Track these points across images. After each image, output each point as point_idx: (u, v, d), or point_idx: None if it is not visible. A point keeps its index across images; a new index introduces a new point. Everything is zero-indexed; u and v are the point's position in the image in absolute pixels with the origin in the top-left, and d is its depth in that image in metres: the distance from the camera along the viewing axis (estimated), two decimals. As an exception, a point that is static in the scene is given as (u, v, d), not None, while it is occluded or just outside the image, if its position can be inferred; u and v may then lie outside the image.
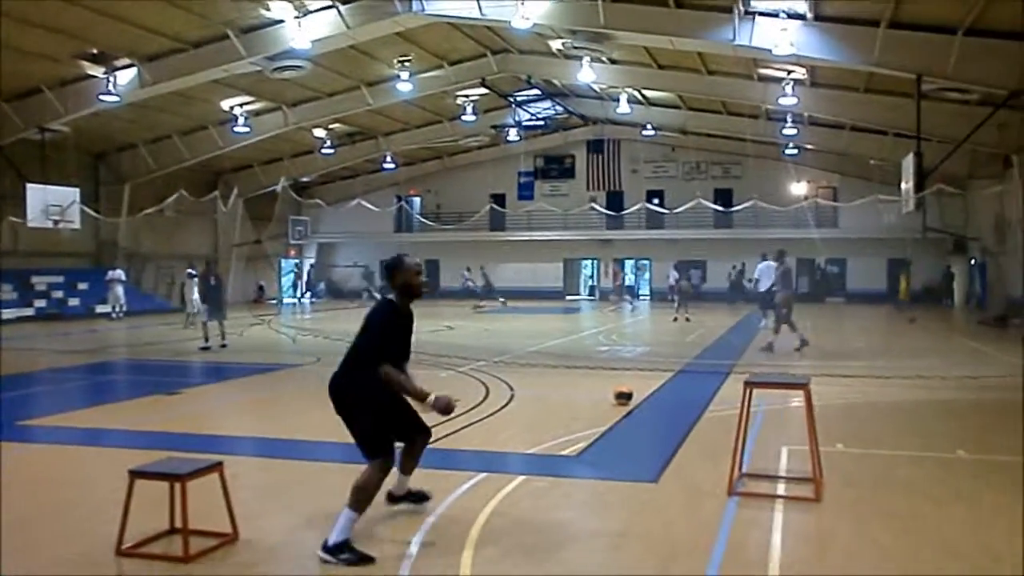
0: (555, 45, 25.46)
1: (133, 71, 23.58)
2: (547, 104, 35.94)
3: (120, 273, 29.33)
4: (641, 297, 42.54)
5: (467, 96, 31.96)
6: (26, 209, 26.11)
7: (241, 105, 29.13)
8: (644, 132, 37.63)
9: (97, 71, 23.22)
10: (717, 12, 19.62)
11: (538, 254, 42.45)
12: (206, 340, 18.09)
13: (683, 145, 39.48)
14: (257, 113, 30.30)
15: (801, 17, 19.02)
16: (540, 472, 7.27)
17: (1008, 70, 18.37)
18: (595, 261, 44.08)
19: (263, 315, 29.76)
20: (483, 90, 31.17)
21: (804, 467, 6.73)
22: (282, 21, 21.54)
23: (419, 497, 6.12)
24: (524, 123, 37.52)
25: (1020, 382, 13.03)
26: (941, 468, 7.45)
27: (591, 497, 6.54)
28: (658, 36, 21.32)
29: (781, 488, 6.63)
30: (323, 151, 36.69)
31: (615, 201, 40.71)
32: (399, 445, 5.79)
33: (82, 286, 30.84)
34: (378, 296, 39.31)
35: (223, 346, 17.98)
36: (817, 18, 18.99)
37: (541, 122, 38.10)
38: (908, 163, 21.00)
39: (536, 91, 33.64)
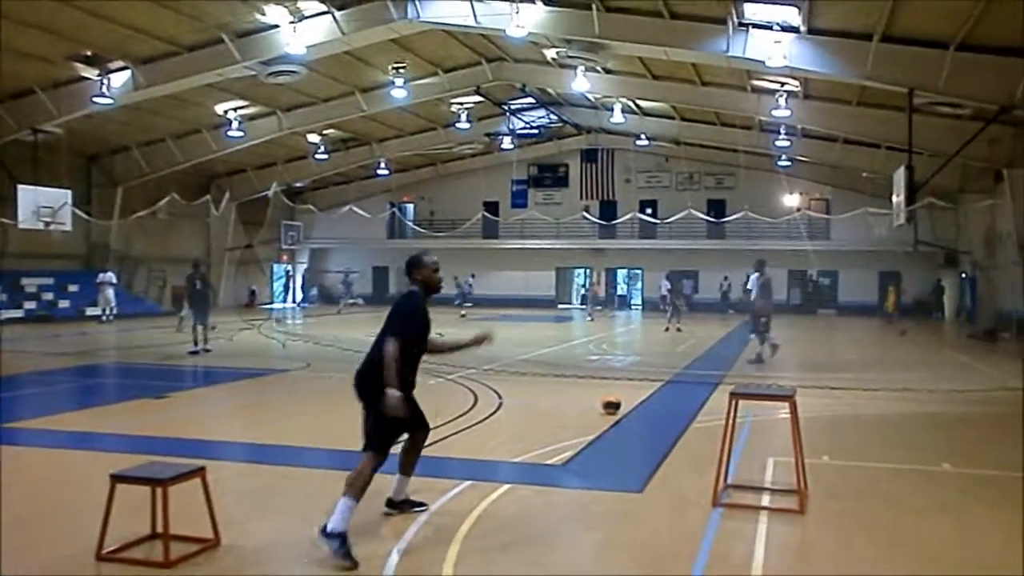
0: (550, 54, 25.53)
1: (127, 73, 23.57)
2: (541, 113, 36.02)
3: (111, 276, 29.28)
4: (633, 306, 42.66)
5: (461, 104, 32.00)
6: (17, 210, 26.00)
7: (235, 109, 29.14)
8: (638, 142, 37.79)
9: (91, 73, 23.20)
10: (711, 24, 19.72)
11: (530, 262, 42.49)
12: (195, 344, 18.03)
13: (676, 155, 39.60)
14: (251, 117, 30.30)
15: (795, 30, 19.12)
16: (526, 480, 7.27)
17: (999, 85, 18.48)
18: (587, 270, 44.12)
19: (253, 320, 29.68)
20: (477, 98, 31.23)
21: (790, 479, 6.72)
22: (277, 26, 21.57)
23: (416, 506, 6.17)
24: (518, 131, 37.61)
25: (1007, 396, 13.09)
26: (926, 481, 7.47)
27: (576, 506, 6.53)
28: (652, 47, 21.44)
29: (766, 499, 6.63)
30: (317, 156, 36.67)
31: (608, 210, 40.78)
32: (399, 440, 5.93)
33: (72, 288, 30.75)
34: (361, 302, 39.34)
35: (206, 351, 17.92)
36: (811, 31, 19.09)
37: (535, 131, 38.21)
38: (899, 176, 21.09)
39: (530, 100, 33.70)
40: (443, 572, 4.99)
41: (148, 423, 9.93)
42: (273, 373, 15.09)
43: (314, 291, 45.55)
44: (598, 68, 25.15)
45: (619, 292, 44.30)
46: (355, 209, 37.09)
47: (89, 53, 22.35)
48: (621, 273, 44.33)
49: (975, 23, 16.80)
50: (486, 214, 39.46)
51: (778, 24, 19.08)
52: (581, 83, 25.41)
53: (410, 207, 45.39)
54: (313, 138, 34.63)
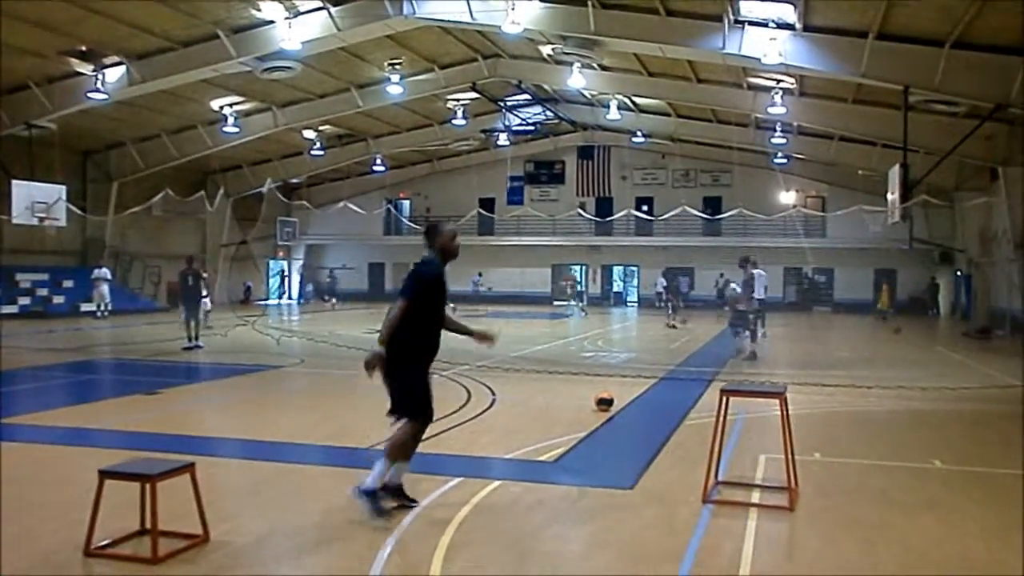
0: (545, 51, 25.51)
1: (122, 69, 23.52)
2: (537, 109, 36.00)
3: (106, 271, 29.23)
4: (629, 303, 42.69)
5: (457, 100, 31.98)
6: (11, 206, 25.93)
7: (231, 105, 29.08)
8: (634, 139, 37.81)
9: (85, 68, 23.14)
10: (707, 20, 19.72)
11: (526, 259, 42.50)
12: (189, 340, 18.02)
13: (673, 152, 39.59)
14: (247, 113, 30.26)
15: (790, 27, 19.12)
16: (517, 477, 7.27)
17: (994, 83, 18.50)
18: (583, 267, 44.13)
19: (248, 316, 29.65)
20: (473, 94, 31.21)
21: (780, 475, 6.74)
22: (272, 22, 21.53)
23: (409, 501, 6.17)
24: (514, 128, 37.61)
25: (1000, 393, 13.12)
26: (916, 478, 7.48)
27: (566, 502, 6.53)
28: (648, 43, 21.40)
29: (756, 496, 6.64)
30: (313, 152, 36.66)
31: (604, 207, 40.80)
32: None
33: (67, 284, 30.70)
34: (334, 301, 39.38)
35: (197, 347, 17.89)
36: (806, 28, 19.08)
37: (531, 127, 38.20)
38: (894, 174, 21.11)
39: (526, 96, 33.68)
40: (432, 566, 4.99)
41: (141, 419, 9.91)
42: (267, 369, 15.07)
43: (310, 287, 45.54)
44: (594, 65, 25.13)
45: (615, 289, 44.33)
46: (350, 205, 37.04)
47: (84, 48, 22.28)
48: (617, 270, 44.32)
49: (970, 21, 16.80)
50: (482, 211, 39.45)
51: (774, 21, 19.08)
52: (577, 80, 25.40)
53: (406, 203, 45.41)
54: (309, 134, 34.60)
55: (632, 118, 34.44)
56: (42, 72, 23.92)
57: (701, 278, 40.11)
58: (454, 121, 33.46)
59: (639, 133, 36.81)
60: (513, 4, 19.73)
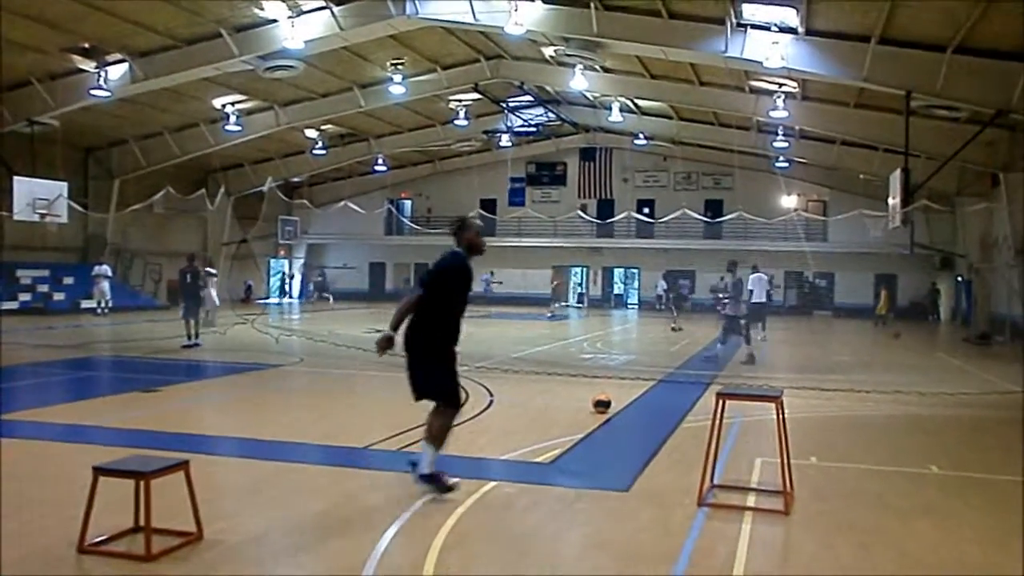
0: (548, 52, 25.51)
1: (124, 66, 23.51)
2: (539, 111, 35.97)
3: (106, 268, 29.24)
4: (630, 306, 42.68)
5: (460, 100, 31.97)
6: (13, 202, 25.94)
7: (233, 103, 29.08)
8: (636, 141, 37.81)
9: (88, 65, 23.14)
10: (709, 24, 19.68)
11: (527, 260, 42.49)
12: (188, 338, 18.03)
13: (674, 155, 39.56)
14: (249, 112, 30.26)
15: (792, 31, 19.10)
16: (512, 478, 7.26)
17: (996, 89, 18.47)
18: (584, 269, 44.13)
19: (248, 314, 29.66)
20: (476, 95, 31.19)
21: (776, 479, 6.72)
22: (275, 21, 21.53)
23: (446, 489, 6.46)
24: (516, 129, 37.59)
25: (998, 399, 13.11)
26: (912, 483, 7.47)
27: (561, 504, 6.52)
28: (650, 46, 21.39)
29: (751, 500, 6.63)
30: (314, 152, 36.66)
31: (606, 209, 40.80)
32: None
33: (68, 281, 30.73)
34: (329, 298, 39.39)
35: (196, 344, 17.89)
36: (808, 32, 19.06)
37: (533, 128, 38.19)
38: (895, 178, 21.10)
39: (529, 97, 33.67)
40: (426, 566, 4.99)
41: (139, 416, 9.92)
42: (266, 368, 15.07)
43: (311, 286, 45.58)
44: (596, 67, 25.13)
45: (616, 291, 44.34)
46: (351, 205, 37.05)
47: (86, 45, 22.26)
48: (618, 272, 44.32)
49: (972, 26, 16.78)
50: (483, 212, 39.43)
51: (776, 25, 19.05)
52: (579, 81, 25.39)
53: (407, 203, 45.42)
54: (311, 133, 34.59)
55: (634, 120, 34.43)
56: (44, 69, 23.92)
57: (702, 281, 40.09)
58: (456, 122, 33.44)
59: (641, 135, 36.81)
60: (516, 5, 19.72)
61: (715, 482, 6.79)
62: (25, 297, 28.76)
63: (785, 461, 6.46)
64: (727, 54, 19.90)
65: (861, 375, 15.62)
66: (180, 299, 18.66)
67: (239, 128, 30.23)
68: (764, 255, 32.46)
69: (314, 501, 6.45)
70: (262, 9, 21.08)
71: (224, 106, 29.17)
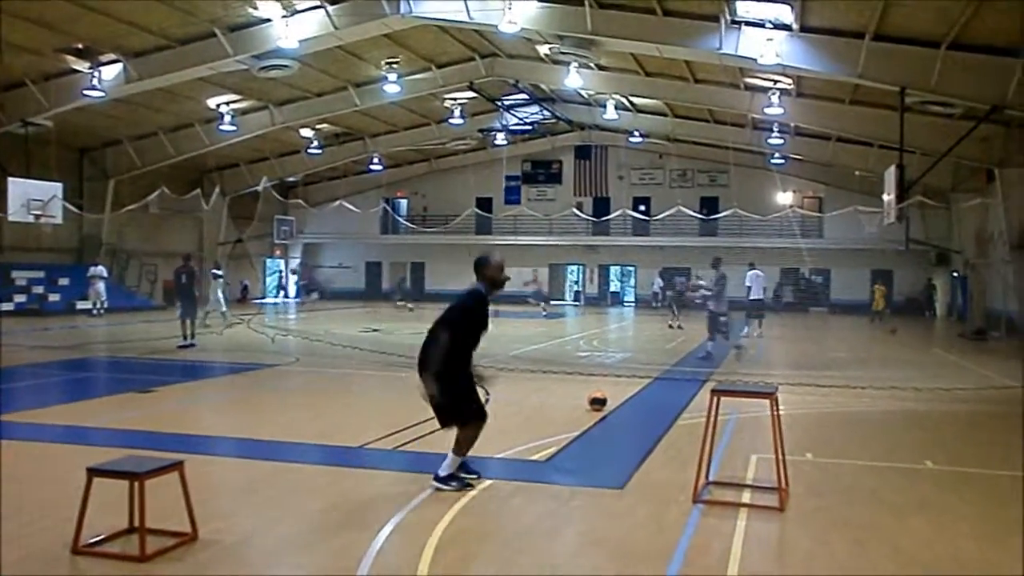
0: (543, 50, 25.50)
1: (118, 67, 23.47)
2: (535, 109, 35.95)
3: (102, 269, 29.17)
4: (626, 303, 42.69)
5: (455, 99, 31.95)
6: (7, 203, 25.87)
7: (228, 103, 29.04)
8: (631, 139, 37.84)
9: (82, 66, 23.10)
10: (704, 21, 19.71)
11: (523, 259, 42.37)
12: (184, 338, 18.00)
13: (670, 152, 39.57)
14: (244, 112, 30.22)
15: (787, 28, 19.12)
16: (508, 476, 7.26)
17: (990, 85, 18.52)
18: (581, 267, 44.12)
19: (244, 314, 29.60)
20: (471, 93, 31.17)
21: (772, 476, 6.74)
22: (269, 20, 21.49)
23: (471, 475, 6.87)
24: (511, 127, 37.61)
25: (994, 394, 13.13)
26: (907, 478, 7.48)
27: (556, 502, 6.52)
28: (645, 43, 21.39)
29: (746, 496, 6.64)
30: (310, 151, 36.64)
31: (602, 207, 40.82)
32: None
33: (63, 282, 30.64)
34: (316, 295, 39.41)
35: (192, 345, 17.86)
36: (803, 29, 19.09)
37: (528, 127, 38.18)
38: (890, 175, 21.11)
39: (524, 96, 33.65)
40: (420, 565, 4.99)
41: (134, 417, 9.90)
42: (262, 368, 15.05)
43: (299, 285, 45.51)
44: (591, 64, 25.11)
45: (612, 289, 44.36)
46: (347, 204, 37.00)
47: (80, 46, 22.23)
48: (614, 270, 44.33)
49: (967, 22, 16.82)
50: (478, 210, 39.41)
51: (770, 22, 19.06)
52: (574, 79, 25.40)
53: (403, 202, 45.39)
54: (306, 133, 34.56)
55: (629, 118, 34.44)
56: (38, 69, 23.88)
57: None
58: (451, 120, 33.42)
59: (636, 133, 36.82)
60: (510, 3, 19.71)
61: (710, 479, 6.80)
62: (21, 298, 28.68)
63: (780, 457, 6.48)
64: (722, 51, 19.93)
65: (857, 371, 15.63)
66: (176, 299, 18.59)
67: (234, 128, 30.18)
68: (760, 252, 32.47)
69: (310, 500, 6.45)
70: (256, 8, 21.05)
71: (219, 106, 29.13)
